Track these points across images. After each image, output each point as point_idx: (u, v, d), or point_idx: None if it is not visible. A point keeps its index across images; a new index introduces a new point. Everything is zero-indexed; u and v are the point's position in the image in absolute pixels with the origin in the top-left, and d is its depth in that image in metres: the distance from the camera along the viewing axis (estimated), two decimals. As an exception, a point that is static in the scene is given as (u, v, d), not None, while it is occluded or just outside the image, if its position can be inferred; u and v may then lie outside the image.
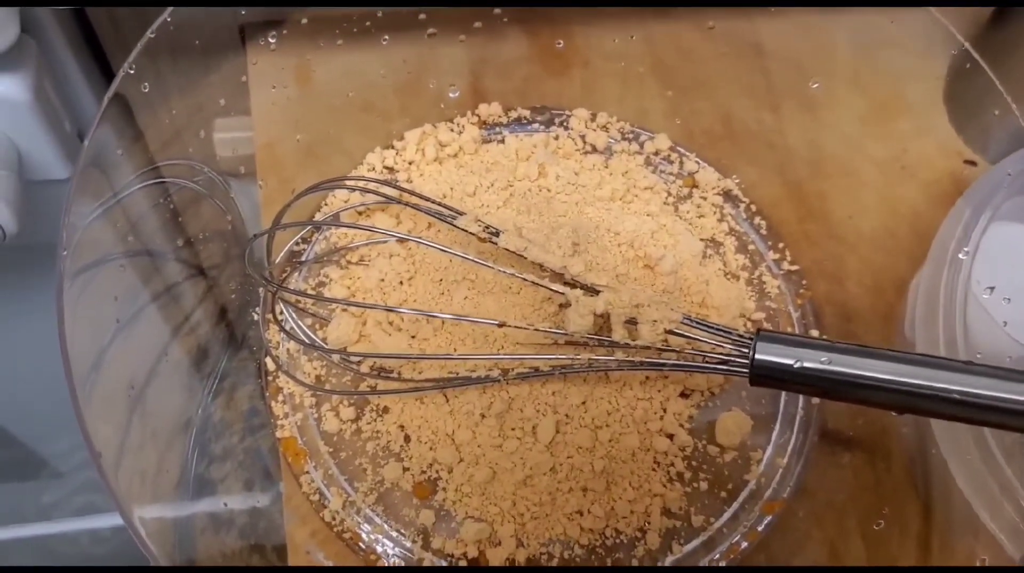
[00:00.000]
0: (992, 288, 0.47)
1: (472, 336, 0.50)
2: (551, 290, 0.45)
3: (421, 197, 0.51)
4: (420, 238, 0.50)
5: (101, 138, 0.44)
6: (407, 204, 0.52)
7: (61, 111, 0.57)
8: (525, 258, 0.48)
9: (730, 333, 0.43)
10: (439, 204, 0.50)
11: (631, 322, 0.45)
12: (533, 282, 0.45)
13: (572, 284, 0.47)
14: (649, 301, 0.44)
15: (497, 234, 0.48)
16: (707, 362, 0.43)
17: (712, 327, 0.43)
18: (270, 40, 0.55)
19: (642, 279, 0.52)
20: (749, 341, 0.42)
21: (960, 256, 0.48)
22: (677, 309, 0.44)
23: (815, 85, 0.60)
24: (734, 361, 0.42)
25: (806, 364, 0.40)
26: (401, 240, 0.52)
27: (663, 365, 0.45)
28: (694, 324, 0.44)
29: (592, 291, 0.46)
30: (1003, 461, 0.45)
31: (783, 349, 0.41)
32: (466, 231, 0.48)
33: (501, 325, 0.45)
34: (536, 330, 0.45)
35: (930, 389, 0.38)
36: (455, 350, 0.50)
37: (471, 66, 0.62)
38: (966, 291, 0.48)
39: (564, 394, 0.49)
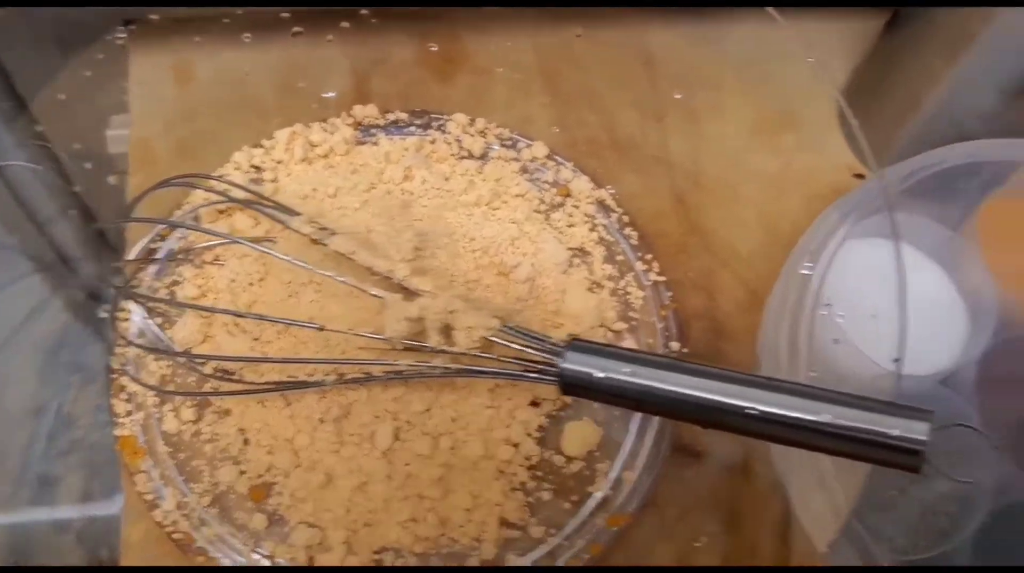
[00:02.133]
0: (830, 305, 0.46)
1: (314, 340, 0.49)
2: (370, 294, 0.45)
3: (261, 198, 0.51)
4: (242, 240, 0.49)
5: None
6: (247, 204, 0.52)
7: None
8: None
9: (544, 341, 0.42)
10: (277, 205, 0.50)
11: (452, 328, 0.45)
12: (353, 285, 0.45)
13: (404, 289, 0.47)
14: (465, 307, 0.44)
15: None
16: (527, 370, 0.43)
17: (529, 335, 0.43)
18: (118, 37, 0.55)
19: (495, 286, 0.52)
20: (562, 349, 0.41)
21: (802, 271, 0.47)
22: (497, 316, 0.43)
23: (678, 96, 0.60)
24: (548, 370, 0.42)
25: (611, 375, 0.39)
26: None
27: (480, 372, 0.44)
28: (512, 332, 0.43)
29: (414, 296, 0.45)
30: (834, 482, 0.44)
31: (591, 359, 0.40)
32: (299, 232, 0.47)
33: (320, 329, 0.44)
34: (356, 334, 0.44)
35: (726, 405, 0.37)
36: (298, 354, 0.49)
37: (356, 68, 0.61)
38: (812, 307, 0.47)
39: (406, 401, 0.48)
